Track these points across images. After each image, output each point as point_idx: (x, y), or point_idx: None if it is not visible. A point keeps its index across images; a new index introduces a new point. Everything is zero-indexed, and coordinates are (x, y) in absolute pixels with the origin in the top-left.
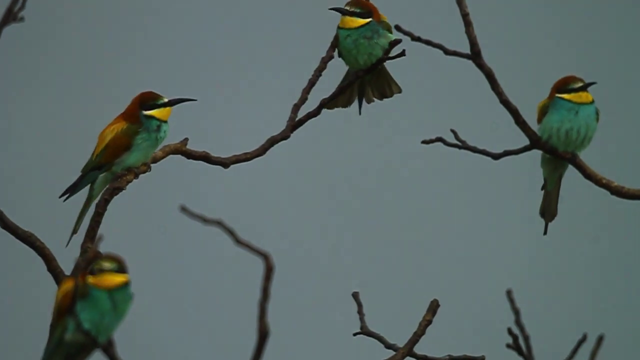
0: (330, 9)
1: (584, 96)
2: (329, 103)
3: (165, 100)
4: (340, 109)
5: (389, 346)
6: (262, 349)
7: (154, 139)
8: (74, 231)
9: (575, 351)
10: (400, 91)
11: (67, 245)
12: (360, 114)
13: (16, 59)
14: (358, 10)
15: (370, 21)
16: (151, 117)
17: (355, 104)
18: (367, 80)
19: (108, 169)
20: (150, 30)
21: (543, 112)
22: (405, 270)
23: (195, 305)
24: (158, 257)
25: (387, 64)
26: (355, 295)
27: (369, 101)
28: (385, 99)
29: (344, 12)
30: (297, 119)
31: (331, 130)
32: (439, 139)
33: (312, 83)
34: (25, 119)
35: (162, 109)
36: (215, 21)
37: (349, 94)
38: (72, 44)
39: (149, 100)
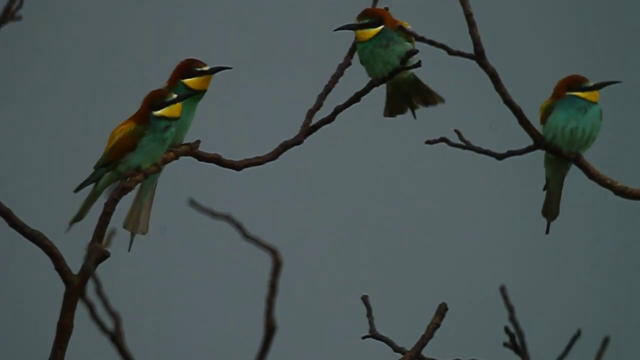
0: (337, 29)
1: (597, 95)
2: (390, 111)
3: (174, 96)
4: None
5: (397, 349)
6: (269, 344)
7: (160, 140)
8: (76, 219)
9: (569, 347)
10: (443, 101)
11: (66, 231)
12: (415, 117)
13: (17, 58)
14: (367, 21)
15: (383, 28)
16: (161, 117)
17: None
18: (410, 91)
19: (113, 168)
20: (161, 30)
21: (547, 113)
22: (414, 273)
23: (203, 301)
24: (166, 254)
25: (420, 76)
26: (364, 299)
27: (413, 108)
28: (430, 106)
29: (353, 28)
30: (311, 124)
31: (342, 136)
32: (443, 139)
33: (328, 89)
34: (32, 119)
35: (171, 106)
36: (232, 23)
37: (400, 104)
38: (73, 42)
39: (157, 99)
